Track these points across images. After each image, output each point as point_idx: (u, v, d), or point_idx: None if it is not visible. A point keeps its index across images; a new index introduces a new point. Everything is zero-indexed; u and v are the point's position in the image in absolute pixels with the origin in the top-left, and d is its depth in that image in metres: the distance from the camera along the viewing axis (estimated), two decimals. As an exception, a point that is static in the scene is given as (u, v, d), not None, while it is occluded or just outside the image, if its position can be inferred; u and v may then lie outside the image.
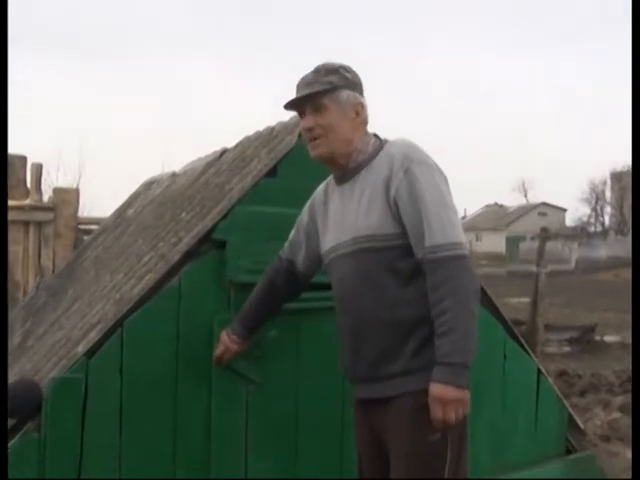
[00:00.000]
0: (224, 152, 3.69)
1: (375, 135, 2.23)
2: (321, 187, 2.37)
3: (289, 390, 2.71)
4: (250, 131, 3.48)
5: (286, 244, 2.46)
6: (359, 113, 2.19)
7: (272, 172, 2.72)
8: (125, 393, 2.38)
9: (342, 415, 2.79)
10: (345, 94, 2.17)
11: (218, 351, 2.48)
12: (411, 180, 2.03)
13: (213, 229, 2.59)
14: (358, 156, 2.19)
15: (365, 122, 2.22)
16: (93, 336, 2.43)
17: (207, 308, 2.55)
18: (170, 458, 2.46)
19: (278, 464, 2.68)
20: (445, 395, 1.91)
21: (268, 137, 3.09)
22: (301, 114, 2.21)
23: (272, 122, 3.22)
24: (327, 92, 2.14)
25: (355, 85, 2.20)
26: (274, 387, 2.67)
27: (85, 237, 6.05)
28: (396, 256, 2.05)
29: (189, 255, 2.56)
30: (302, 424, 2.73)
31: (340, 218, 2.19)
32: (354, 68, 2.23)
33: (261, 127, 3.36)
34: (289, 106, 2.21)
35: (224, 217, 2.60)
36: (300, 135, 2.54)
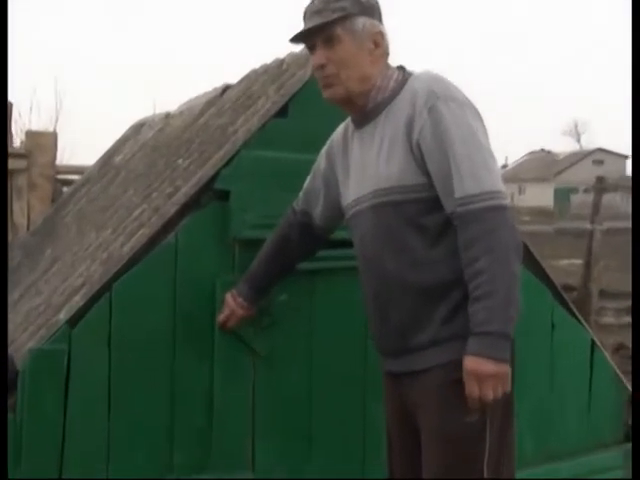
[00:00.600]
0: (226, 89, 3.67)
1: (400, 67, 2.21)
2: (340, 129, 2.36)
3: (302, 363, 2.74)
4: (256, 64, 3.47)
5: (301, 194, 2.47)
6: (378, 43, 2.17)
7: (282, 112, 2.72)
8: (114, 367, 2.41)
9: (363, 392, 2.82)
10: (361, 22, 2.14)
11: (222, 316, 2.50)
12: (436, 119, 2.01)
13: (215, 177, 2.60)
14: (378, 94, 2.17)
15: (386, 54, 2.20)
16: (77, 301, 2.44)
17: (208, 268, 2.57)
18: (166, 442, 2.50)
19: (289, 448, 2.71)
20: (481, 369, 1.92)
21: (277, 71, 3.06)
22: (311, 48, 2.19)
23: (282, 53, 3.20)
24: (339, 21, 2.11)
25: (372, 11, 2.17)
26: (285, 359, 2.70)
27: (65, 188, 6.05)
28: (420, 210, 2.05)
29: (187, 207, 2.58)
30: (317, 402, 2.76)
31: (361, 168, 2.19)
32: None
33: (268, 60, 3.34)
34: (296, 39, 2.19)
35: (227, 163, 2.61)
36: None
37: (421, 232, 2.04)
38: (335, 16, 2.11)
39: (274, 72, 3.11)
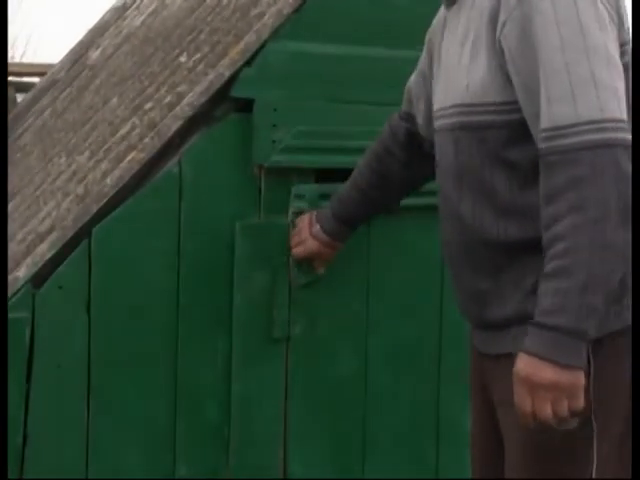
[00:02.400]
0: None
1: None
2: None
3: (354, 335, 2.71)
4: None
5: (405, 92, 2.42)
6: None
7: None
8: (95, 342, 2.40)
9: (437, 374, 2.79)
10: None
11: (293, 243, 2.54)
12: (526, 11, 1.88)
13: (232, 81, 2.54)
14: None
15: None
16: (42, 253, 2.39)
17: (224, 207, 2.56)
18: (165, 443, 2.50)
19: (334, 452, 2.70)
20: (536, 375, 1.81)
21: None
22: None
23: None
24: None
25: None
26: (330, 331, 2.67)
27: (20, 96, 5.98)
28: (510, 139, 1.96)
29: (195, 123, 2.54)
30: (374, 389, 2.74)
31: (447, 65, 2.14)
32: None
33: None
34: None
35: (250, 61, 2.55)
36: None
37: (507, 169, 1.98)
38: None
39: None
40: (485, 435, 2.22)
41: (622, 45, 1.94)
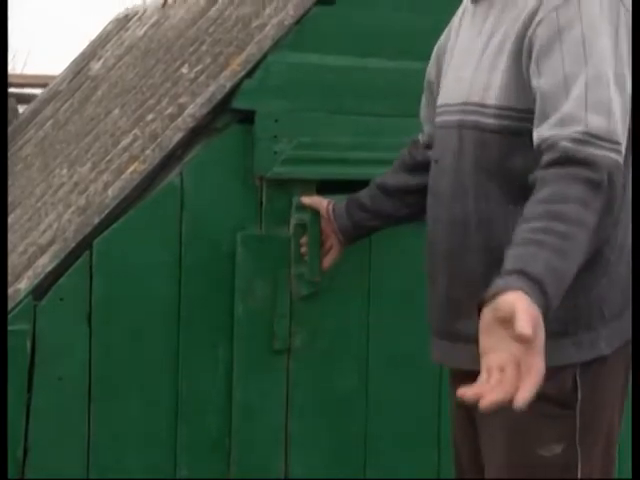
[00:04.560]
0: None
1: None
2: (463, 4, 2.24)
3: (355, 346, 2.68)
4: None
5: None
6: None
7: None
8: (96, 354, 2.40)
9: (439, 380, 2.71)
10: None
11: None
12: (563, 14, 1.83)
13: (234, 92, 2.52)
14: None
15: None
16: (43, 265, 2.39)
17: (226, 219, 2.54)
18: (166, 453, 2.49)
19: (336, 457, 2.67)
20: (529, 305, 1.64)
21: None
22: None
23: None
24: None
25: None
26: (332, 340, 2.64)
27: (21, 107, 6.00)
28: (512, 147, 1.92)
29: (196, 134, 2.53)
30: (375, 397, 2.71)
31: (461, 60, 2.08)
32: None
33: None
34: None
35: (251, 72, 2.53)
36: None
37: (509, 176, 1.95)
38: None
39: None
40: (468, 446, 2.15)
41: None
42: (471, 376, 1.78)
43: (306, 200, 2.53)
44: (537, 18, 1.88)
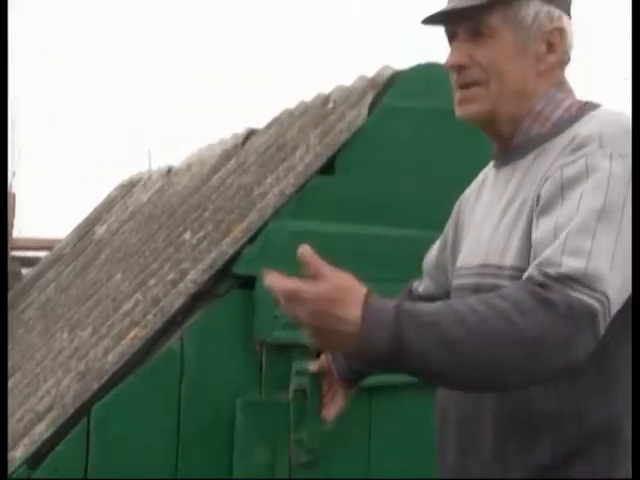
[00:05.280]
0: (250, 135, 3.69)
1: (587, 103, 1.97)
2: (484, 170, 2.19)
3: None
4: (291, 102, 3.47)
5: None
6: (554, 46, 1.93)
7: (327, 168, 2.69)
8: None
9: None
10: (533, 9, 1.91)
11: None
12: (568, 172, 1.76)
13: (235, 259, 2.56)
14: (532, 125, 1.93)
15: (563, 62, 1.95)
16: (40, 432, 2.38)
17: (225, 384, 2.54)
18: None
19: None
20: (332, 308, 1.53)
21: (320, 112, 3.03)
22: (450, 37, 1.98)
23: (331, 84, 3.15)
24: (499, 5, 1.88)
25: None
26: None
27: (24, 270, 6.07)
28: None
29: (197, 300, 2.55)
30: None
31: (480, 224, 2.03)
32: None
33: (308, 96, 3.34)
34: (431, 20, 1.98)
35: (252, 239, 2.58)
36: (371, 109, 2.59)
37: None
38: None
39: (316, 113, 3.10)
40: None
41: None
42: None
43: (314, 367, 2.44)
44: (545, 177, 1.84)
